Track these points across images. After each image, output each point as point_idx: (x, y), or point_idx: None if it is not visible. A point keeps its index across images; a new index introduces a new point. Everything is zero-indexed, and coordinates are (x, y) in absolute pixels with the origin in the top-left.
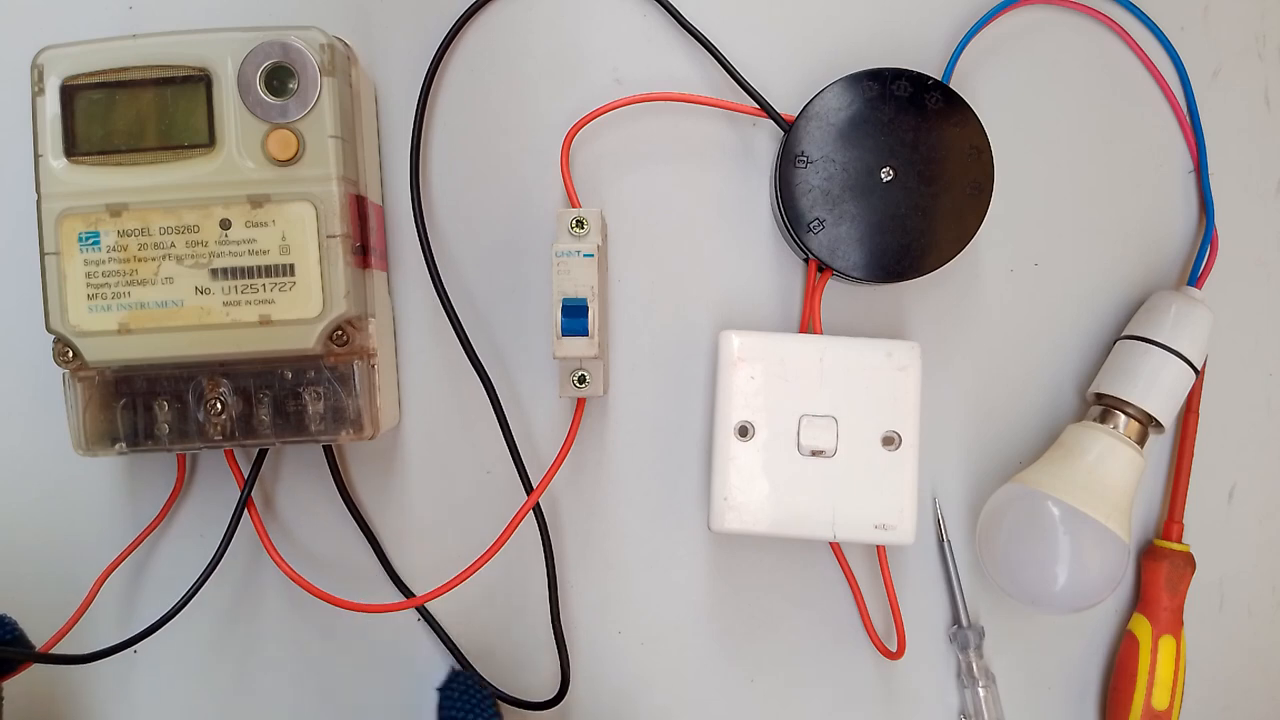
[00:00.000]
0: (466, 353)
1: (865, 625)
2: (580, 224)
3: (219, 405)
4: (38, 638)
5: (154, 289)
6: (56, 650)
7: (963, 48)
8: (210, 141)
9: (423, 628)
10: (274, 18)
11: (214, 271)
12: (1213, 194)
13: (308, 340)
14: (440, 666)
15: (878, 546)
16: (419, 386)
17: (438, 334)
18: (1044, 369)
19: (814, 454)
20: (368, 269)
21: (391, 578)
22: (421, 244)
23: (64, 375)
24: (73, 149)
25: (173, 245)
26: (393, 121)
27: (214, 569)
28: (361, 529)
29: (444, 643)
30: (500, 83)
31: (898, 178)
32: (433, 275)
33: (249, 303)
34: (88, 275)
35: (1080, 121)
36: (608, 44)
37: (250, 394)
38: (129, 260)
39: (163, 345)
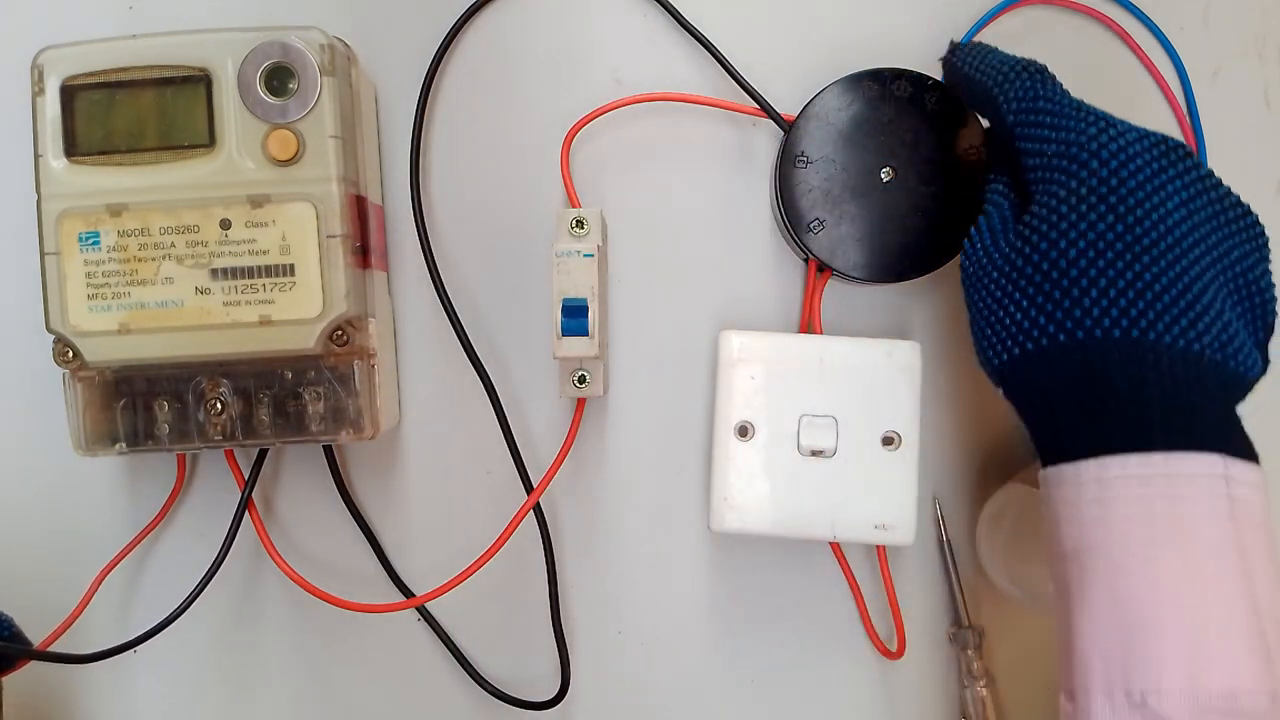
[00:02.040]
0: (466, 353)
1: (865, 625)
2: (580, 224)
3: (219, 405)
4: (36, 637)
5: (154, 289)
6: (55, 649)
7: None
8: (210, 142)
9: (423, 628)
10: (274, 18)
11: (214, 271)
12: None
13: (308, 340)
14: (440, 667)
15: (878, 547)
16: (419, 386)
17: (438, 334)
18: None
19: (814, 454)
20: (368, 269)
21: (391, 578)
22: (421, 244)
23: (64, 375)
24: (73, 149)
25: (173, 245)
26: (393, 121)
27: (216, 571)
28: (361, 529)
29: (444, 643)
30: (500, 83)
31: (898, 178)
32: (433, 275)
33: (249, 303)
34: (88, 275)
35: None
36: (608, 44)
37: (250, 394)
38: (129, 260)
39: (163, 345)
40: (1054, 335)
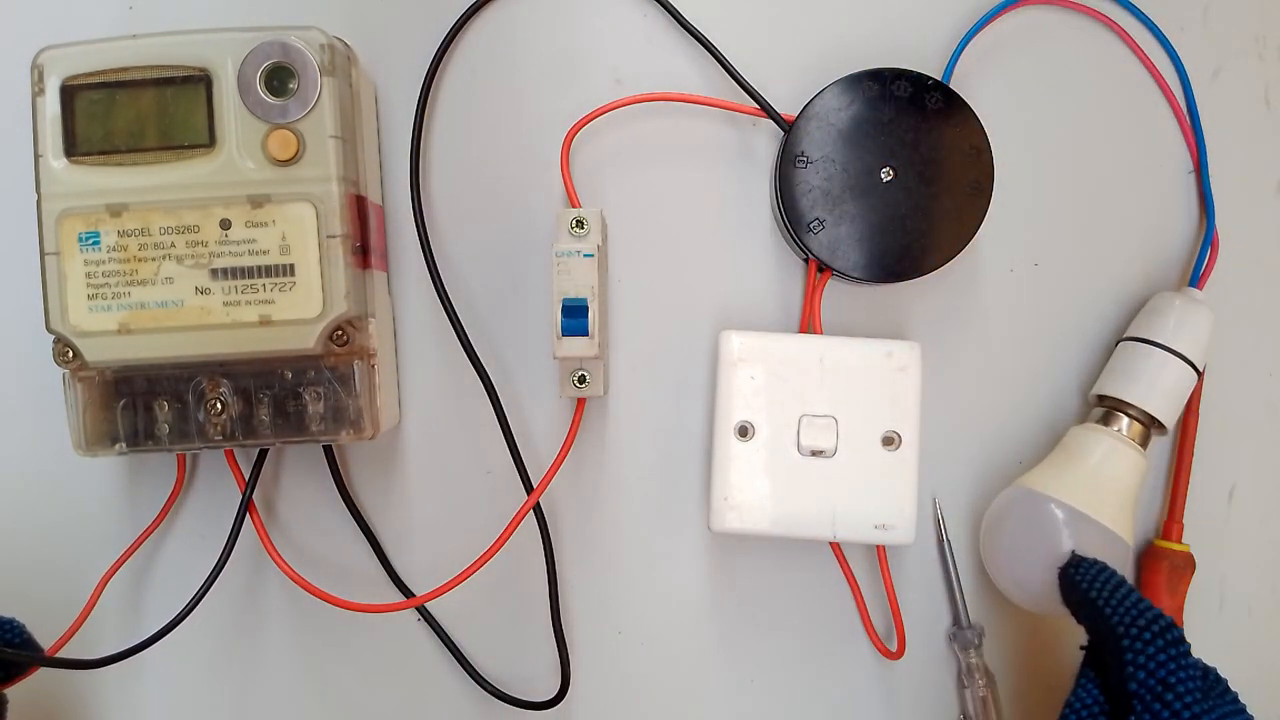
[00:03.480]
0: (466, 353)
1: (865, 625)
2: (580, 224)
3: (219, 405)
4: (40, 638)
5: (154, 289)
6: (61, 653)
7: (963, 48)
8: (210, 141)
9: (423, 628)
10: (274, 18)
11: (214, 271)
12: (1213, 194)
13: (308, 340)
14: (440, 667)
15: (878, 546)
16: (419, 386)
17: (438, 334)
18: (1044, 369)
19: (814, 454)
20: (368, 269)
21: (392, 578)
22: (421, 244)
23: (64, 375)
24: (73, 149)
25: (173, 245)
26: (393, 121)
27: (219, 572)
28: (362, 529)
29: (444, 643)
30: (500, 83)
31: (898, 178)
32: (433, 275)
33: (249, 303)
34: (88, 275)
35: (1080, 121)
36: (608, 44)
37: (250, 394)
38: (129, 260)
39: (163, 345)
40: None
